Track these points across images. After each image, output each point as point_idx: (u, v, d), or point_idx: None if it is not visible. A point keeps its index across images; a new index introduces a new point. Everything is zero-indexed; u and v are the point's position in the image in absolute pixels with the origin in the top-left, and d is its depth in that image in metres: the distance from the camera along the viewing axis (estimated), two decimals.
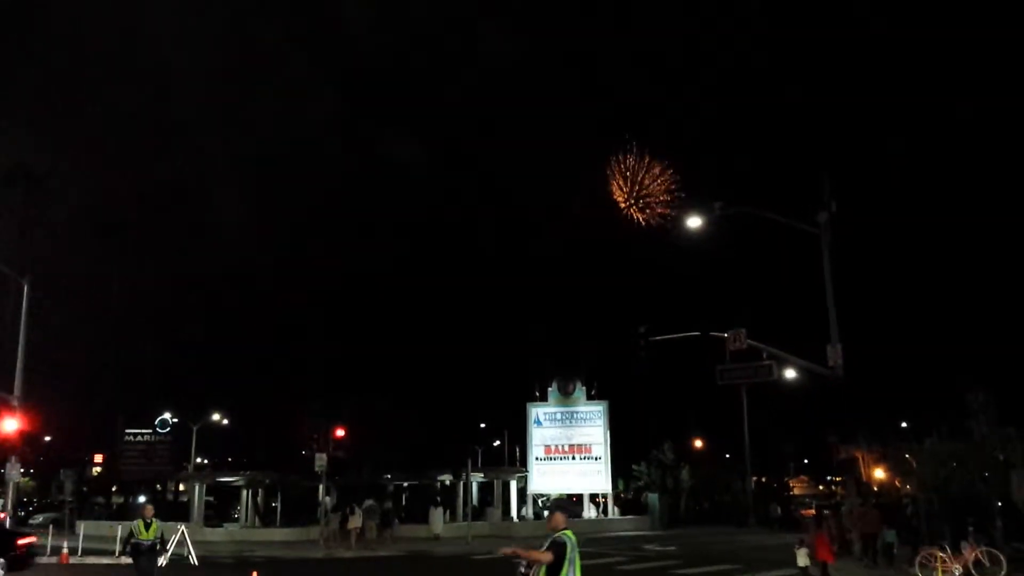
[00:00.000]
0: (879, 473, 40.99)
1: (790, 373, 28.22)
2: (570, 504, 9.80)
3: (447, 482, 48.53)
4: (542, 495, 48.63)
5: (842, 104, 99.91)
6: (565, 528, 8.81)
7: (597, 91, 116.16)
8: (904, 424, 49.36)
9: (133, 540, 17.37)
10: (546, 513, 8.92)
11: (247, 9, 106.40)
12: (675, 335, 28.53)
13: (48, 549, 28.85)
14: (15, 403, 30.91)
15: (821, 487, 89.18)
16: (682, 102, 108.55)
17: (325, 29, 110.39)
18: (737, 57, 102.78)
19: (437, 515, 40.67)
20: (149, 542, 17.33)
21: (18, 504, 47.15)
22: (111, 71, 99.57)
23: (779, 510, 55.26)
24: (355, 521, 35.10)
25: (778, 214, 24.95)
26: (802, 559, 20.85)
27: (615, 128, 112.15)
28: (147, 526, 17.47)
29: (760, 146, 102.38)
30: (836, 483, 74.72)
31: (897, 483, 39.31)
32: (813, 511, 39.35)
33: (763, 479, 69.07)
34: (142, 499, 61.30)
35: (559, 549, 8.60)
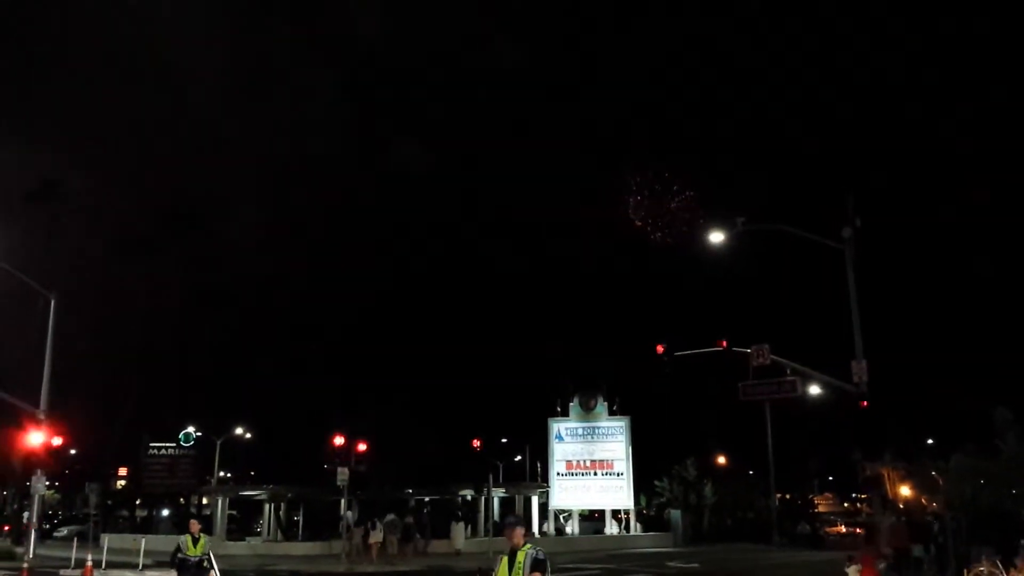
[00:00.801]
0: (905, 490, 40.55)
1: (814, 389, 27.99)
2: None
3: (468, 497, 48.46)
4: (564, 511, 48.43)
5: (865, 118, 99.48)
6: (526, 543, 8.84)
7: (612, 107, 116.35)
8: (930, 441, 48.86)
9: (180, 555, 17.20)
10: (513, 528, 8.91)
11: (259, 22, 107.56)
12: (698, 350, 28.38)
13: (72, 562, 29.06)
14: (41, 417, 31.17)
15: (846, 504, 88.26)
16: (700, 116, 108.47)
17: (339, 40, 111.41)
18: (758, 71, 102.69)
19: (459, 530, 40.61)
20: (196, 558, 17.18)
21: (43, 517, 47.56)
22: (129, 88, 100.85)
23: (808, 527, 54.71)
24: (376, 536, 35.09)
25: (801, 229, 24.81)
26: (853, 575, 20.86)
27: (629, 143, 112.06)
28: (195, 541, 17.32)
29: (783, 159, 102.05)
30: (861, 500, 73.95)
31: (923, 500, 38.89)
32: (860, 528, 38.87)
33: (787, 496, 68.37)
34: (165, 512, 61.78)
35: (544, 565, 8.70)
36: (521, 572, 8.60)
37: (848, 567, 21.20)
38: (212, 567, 17.28)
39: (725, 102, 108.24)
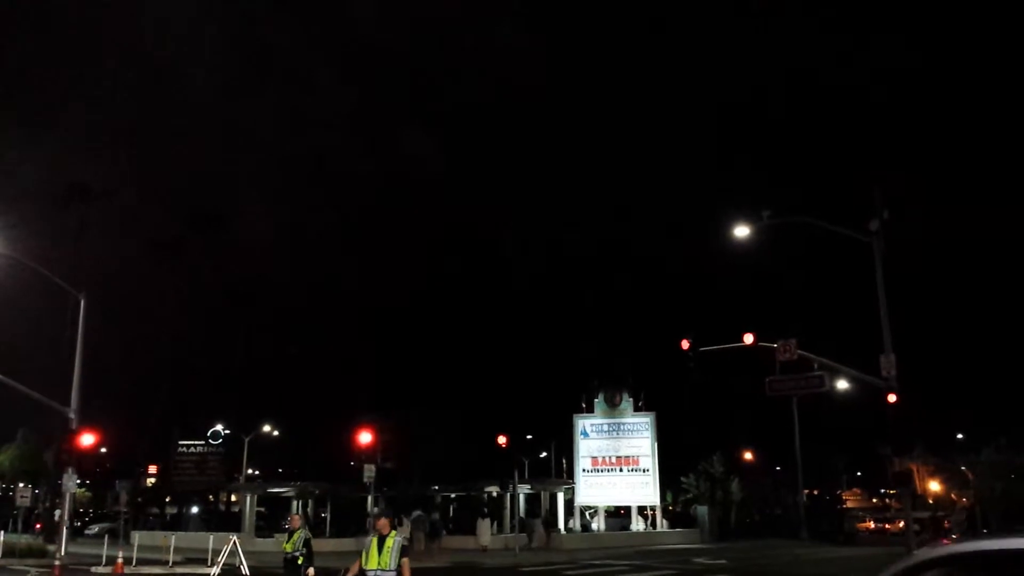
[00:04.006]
0: (934, 485, 40.15)
1: (842, 384, 27.75)
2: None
3: (494, 494, 48.49)
4: (589, 507, 48.36)
5: (893, 108, 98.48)
6: (392, 531, 10.99)
7: (633, 95, 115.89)
8: (960, 436, 48.33)
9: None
10: (380, 519, 11.48)
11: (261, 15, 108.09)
12: (724, 346, 28.21)
13: (104, 559, 29.39)
14: (72, 416, 31.57)
15: (875, 500, 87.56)
16: (731, 107, 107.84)
17: (340, 30, 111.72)
18: (789, 62, 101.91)
19: (484, 527, 40.67)
20: (289, 554, 16.98)
21: (75, 514, 48.18)
22: (147, 89, 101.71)
23: (855, 524, 54.13)
24: (403, 532, 35.20)
25: (828, 222, 24.61)
26: None
27: (652, 135, 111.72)
28: (289, 536, 17.29)
29: (811, 151, 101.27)
30: (890, 496, 73.32)
31: (953, 496, 38.49)
32: (890, 524, 38.36)
33: (815, 492, 67.95)
34: (195, 510, 62.32)
35: (408, 551, 10.95)
36: (390, 554, 10.58)
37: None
38: (309, 563, 16.81)
39: (756, 94, 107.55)
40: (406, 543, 10.93)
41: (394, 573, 10.58)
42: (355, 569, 11.01)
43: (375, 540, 10.86)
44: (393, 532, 10.92)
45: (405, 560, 10.68)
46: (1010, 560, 4.77)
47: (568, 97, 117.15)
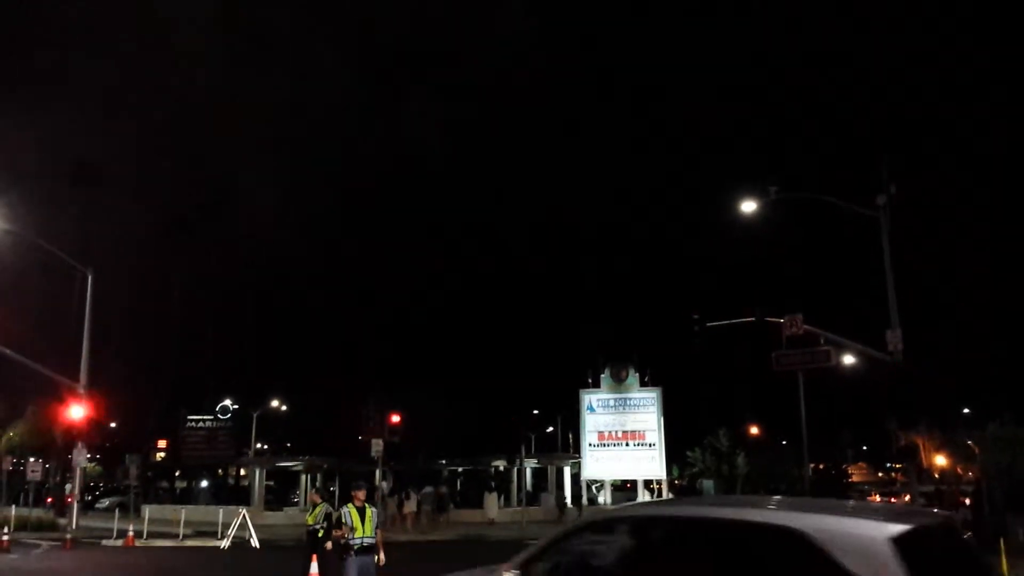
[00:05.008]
0: (940, 460, 40.22)
1: (848, 359, 27.75)
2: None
3: (501, 468, 48.79)
4: (596, 481, 48.63)
5: (901, 83, 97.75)
6: (366, 504, 12.01)
7: (639, 69, 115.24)
8: (966, 410, 48.35)
9: None
10: (360, 490, 12.37)
11: None
12: (730, 321, 28.24)
13: (114, 532, 29.68)
14: (81, 391, 31.84)
15: (880, 474, 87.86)
16: (740, 84, 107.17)
17: (341, 7, 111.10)
18: (796, 37, 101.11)
19: (492, 500, 40.97)
20: (311, 527, 17.51)
21: (85, 488, 48.63)
22: (148, 74, 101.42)
23: (866, 499, 54.48)
24: (410, 506, 35.51)
25: (836, 197, 24.52)
26: None
27: (658, 109, 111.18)
28: (312, 509, 17.87)
29: (817, 127, 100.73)
30: (895, 470, 73.54)
31: (959, 470, 38.56)
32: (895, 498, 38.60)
33: (820, 466, 68.10)
34: (204, 484, 62.84)
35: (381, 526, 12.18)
36: (371, 523, 11.70)
37: None
38: (328, 537, 17.13)
39: (765, 71, 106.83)
40: (380, 518, 12.24)
41: (373, 539, 11.71)
42: (341, 533, 11.78)
43: (354, 509, 11.78)
44: (367, 504, 12.00)
45: (379, 530, 11.91)
46: (646, 523, 6.05)
47: (570, 75, 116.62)
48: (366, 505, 11.97)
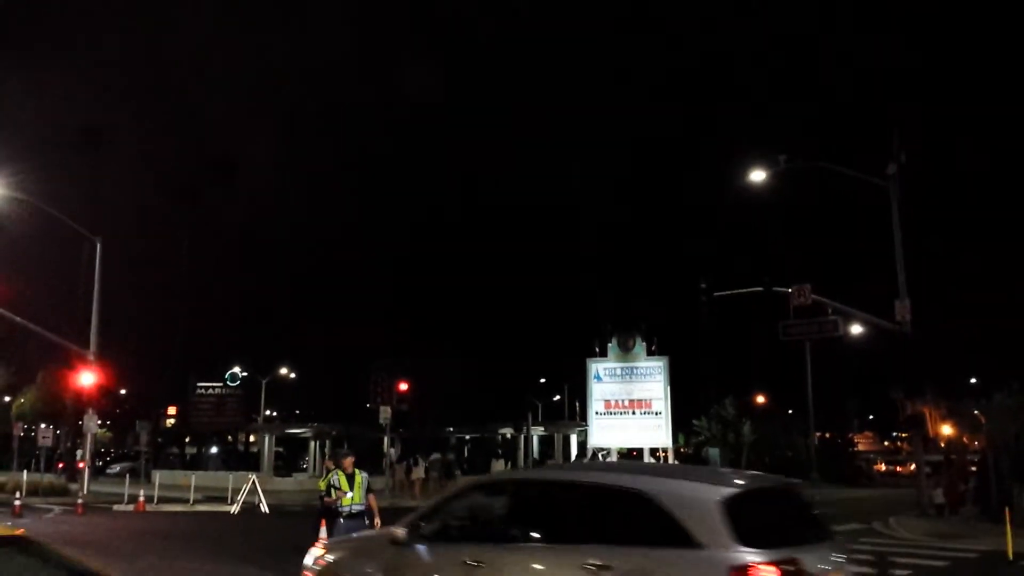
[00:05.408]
0: (946, 429, 40.24)
1: (856, 328, 27.73)
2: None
3: (508, 435, 49.06)
4: (602, 449, 48.88)
5: (912, 53, 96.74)
6: (356, 469, 12.22)
7: (650, 39, 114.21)
8: (973, 380, 48.32)
9: None
10: (348, 457, 12.54)
11: None
12: (738, 290, 28.21)
13: (125, 497, 29.97)
14: (91, 358, 32.03)
15: (886, 443, 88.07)
16: (748, 50, 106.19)
17: None
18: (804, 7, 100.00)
19: (499, 467, 41.27)
20: (323, 493, 17.75)
21: (96, 454, 49.10)
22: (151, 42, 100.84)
23: (872, 467, 54.64)
24: (418, 472, 35.80)
25: (845, 166, 24.39)
26: (938, 498, 25.03)
27: (666, 78, 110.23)
28: (325, 474, 18.11)
29: (828, 95, 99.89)
30: (901, 439, 73.70)
31: (965, 440, 38.57)
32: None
33: (827, 435, 68.38)
34: (214, 450, 63.41)
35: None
36: (360, 490, 11.94)
37: (934, 491, 24.97)
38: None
39: (773, 41, 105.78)
40: (367, 482, 12.27)
41: (363, 505, 11.92)
42: (332, 500, 12.08)
43: (343, 476, 12.04)
44: (357, 470, 12.17)
45: (372, 495, 12.13)
46: (523, 486, 7.24)
47: (575, 30, 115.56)
48: (356, 471, 12.12)
